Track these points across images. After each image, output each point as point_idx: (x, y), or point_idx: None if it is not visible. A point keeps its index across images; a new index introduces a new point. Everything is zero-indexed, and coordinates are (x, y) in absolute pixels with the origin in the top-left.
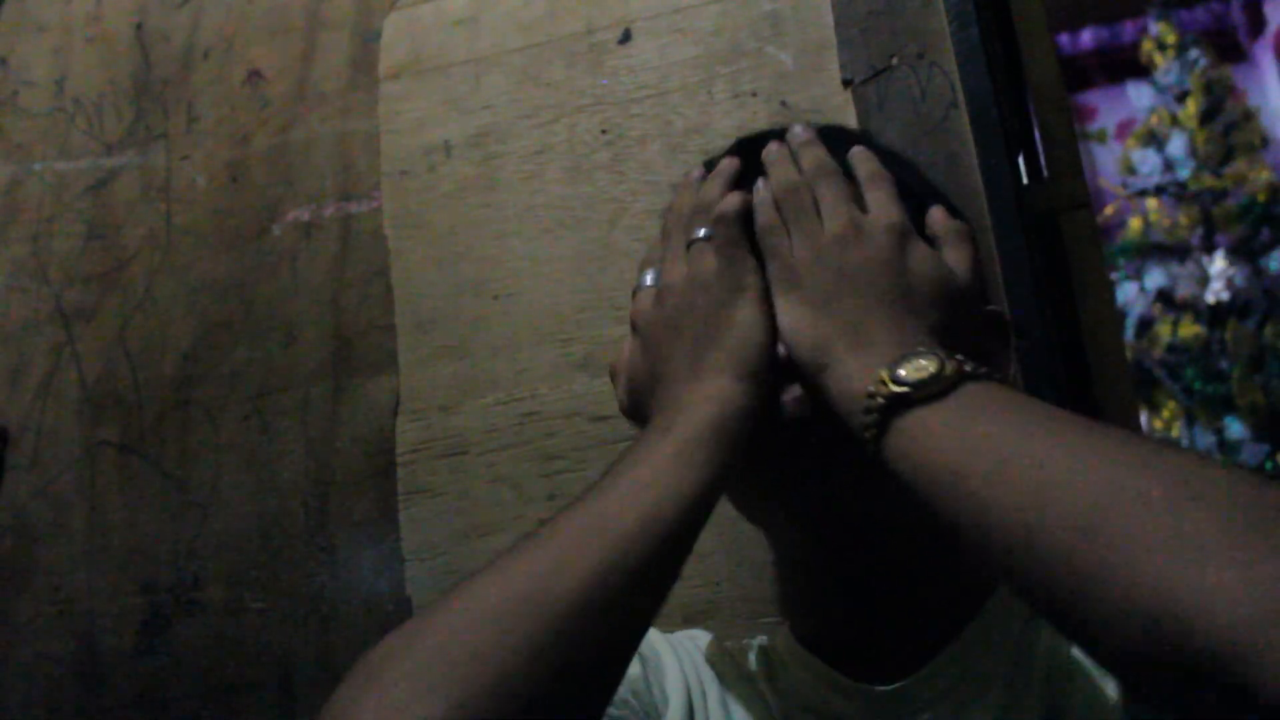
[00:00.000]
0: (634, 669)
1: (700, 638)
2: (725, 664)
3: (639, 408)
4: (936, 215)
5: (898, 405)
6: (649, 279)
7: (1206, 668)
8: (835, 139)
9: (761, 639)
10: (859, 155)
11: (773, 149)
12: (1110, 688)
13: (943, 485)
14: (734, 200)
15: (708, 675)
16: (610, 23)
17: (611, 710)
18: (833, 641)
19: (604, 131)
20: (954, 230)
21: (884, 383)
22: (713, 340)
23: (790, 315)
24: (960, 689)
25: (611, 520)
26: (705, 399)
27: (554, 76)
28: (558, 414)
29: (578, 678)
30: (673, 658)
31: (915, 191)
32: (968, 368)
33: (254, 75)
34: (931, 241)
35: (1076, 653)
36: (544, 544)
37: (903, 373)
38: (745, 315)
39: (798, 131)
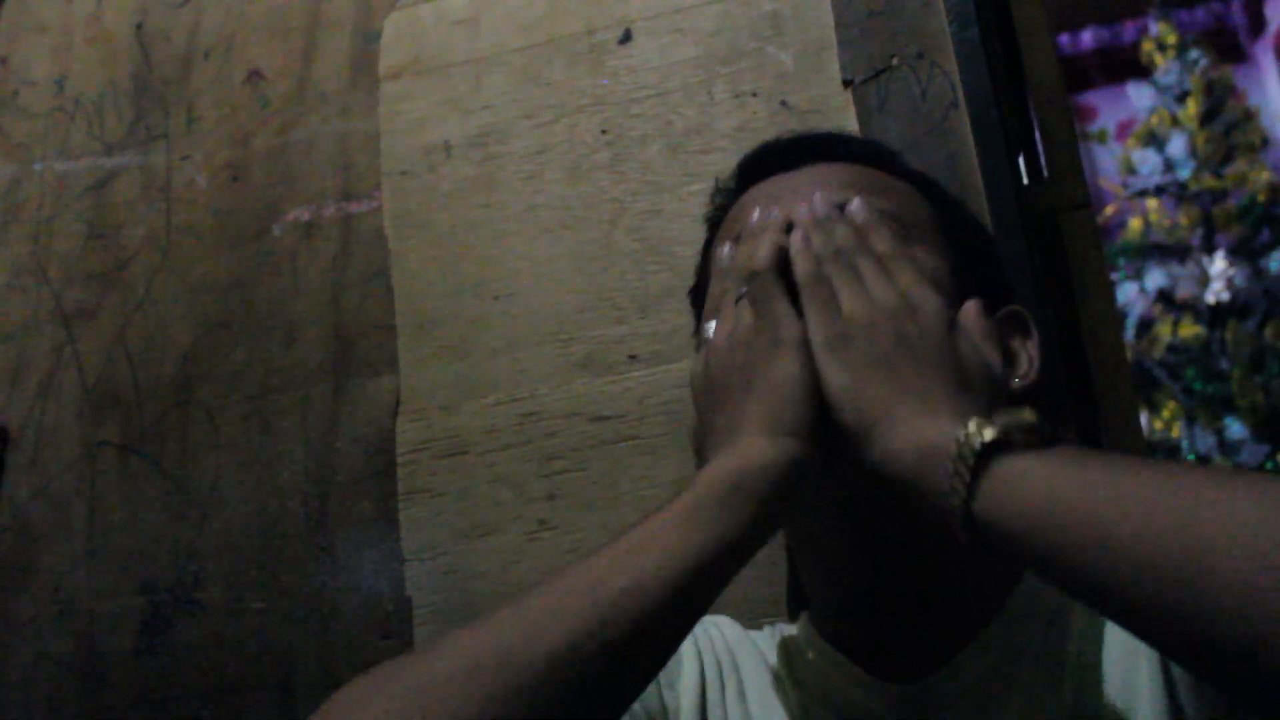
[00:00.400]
0: None
1: (723, 623)
2: (748, 653)
3: None
4: (970, 311)
5: (994, 452)
6: (710, 331)
7: None
8: (875, 157)
9: (783, 627)
10: (874, 225)
11: (803, 218)
12: (1144, 696)
13: (1056, 529)
14: (766, 253)
15: (728, 665)
16: (610, 23)
17: None
18: (855, 636)
19: (604, 132)
20: (985, 329)
21: (978, 430)
22: (750, 398)
23: (841, 375)
24: (981, 688)
25: (598, 583)
26: (731, 457)
27: (554, 76)
28: (558, 414)
29: None
30: (692, 651)
31: (959, 237)
32: (1056, 431)
33: (254, 75)
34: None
35: (1108, 658)
36: (531, 602)
37: (1002, 419)
38: (783, 372)
39: (819, 208)
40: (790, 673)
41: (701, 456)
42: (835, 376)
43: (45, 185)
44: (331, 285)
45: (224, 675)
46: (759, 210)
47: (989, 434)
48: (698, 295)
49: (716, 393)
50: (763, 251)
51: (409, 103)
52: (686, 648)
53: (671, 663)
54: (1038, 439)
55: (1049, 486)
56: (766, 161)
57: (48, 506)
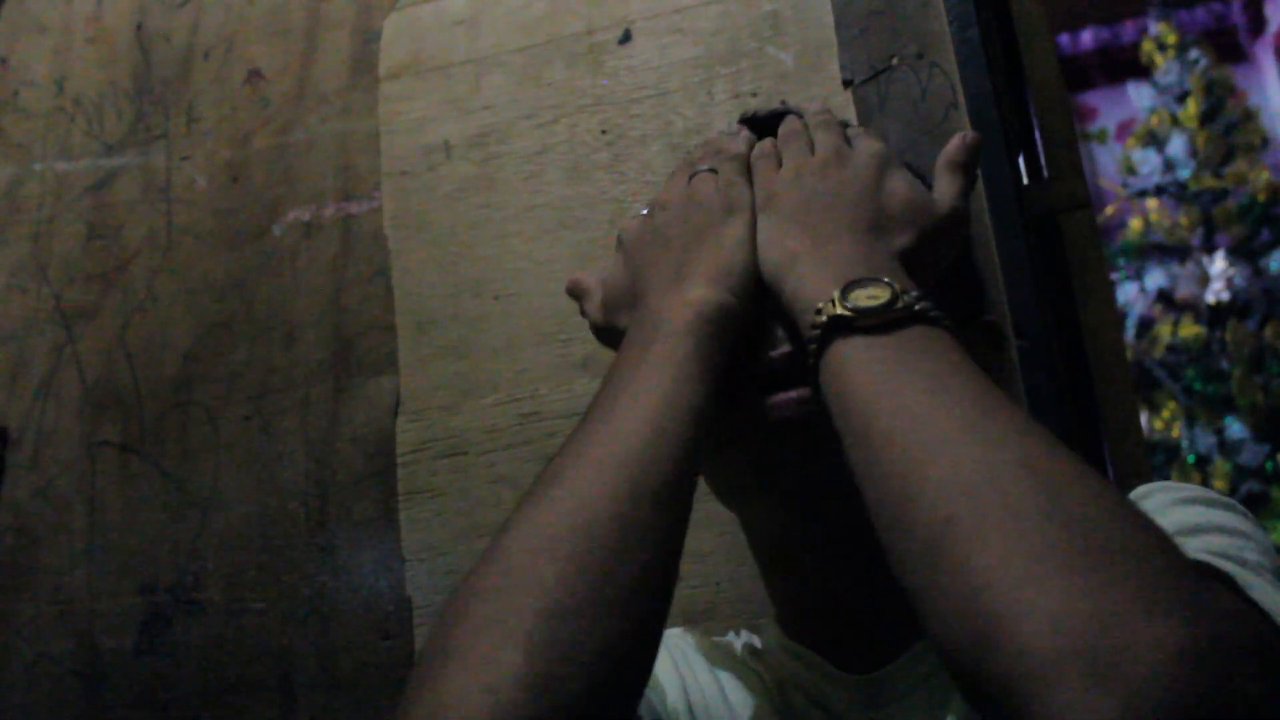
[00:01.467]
0: None
1: (680, 634)
2: (715, 651)
3: (613, 322)
4: (953, 141)
5: (840, 328)
6: (644, 212)
7: (999, 689)
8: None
9: (746, 633)
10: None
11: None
12: None
13: (851, 421)
14: (741, 141)
15: (698, 661)
16: (610, 23)
17: None
18: (816, 632)
19: (604, 132)
20: (949, 161)
21: (833, 303)
22: (699, 252)
23: (764, 230)
24: (937, 675)
25: (624, 440)
26: (684, 304)
27: (554, 77)
28: (558, 414)
29: (628, 598)
30: (668, 663)
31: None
32: (918, 307)
33: (254, 75)
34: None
35: None
36: (572, 472)
37: (853, 297)
38: (734, 233)
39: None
40: (762, 667)
41: (616, 305)
42: (762, 229)
43: (45, 185)
44: (332, 285)
45: (224, 675)
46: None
47: (838, 310)
48: None
49: (660, 243)
50: (738, 141)
51: (409, 103)
52: (662, 661)
53: (651, 681)
54: (881, 321)
55: (856, 375)
56: (759, 126)
57: (48, 507)
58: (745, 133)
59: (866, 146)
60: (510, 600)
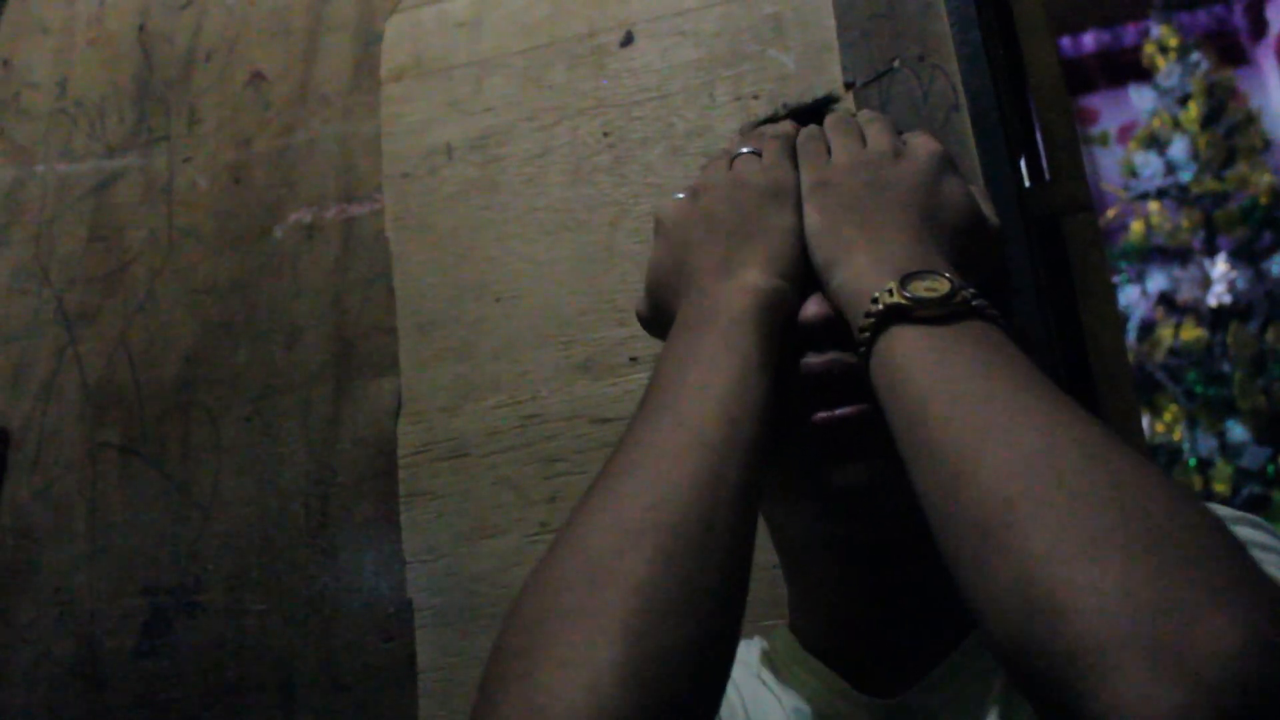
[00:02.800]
0: None
1: None
2: (739, 669)
3: (660, 311)
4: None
5: (897, 317)
6: (679, 196)
7: (1055, 675)
8: None
9: (760, 641)
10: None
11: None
12: None
13: (904, 406)
14: (785, 125)
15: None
16: (612, 25)
17: None
18: (837, 650)
19: (606, 134)
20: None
21: (890, 291)
22: (750, 237)
23: (816, 217)
24: (961, 700)
25: (697, 431)
26: (742, 290)
27: (556, 79)
28: (559, 416)
29: (714, 594)
30: None
31: None
32: (975, 302)
33: (256, 77)
34: None
35: None
36: (645, 462)
37: (912, 288)
38: (784, 218)
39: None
40: (777, 678)
41: (663, 291)
42: (811, 217)
43: (47, 187)
44: (333, 287)
45: (225, 677)
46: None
47: (896, 299)
48: None
49: (707, 227)
50: (782, 125)
51: (410, 105)
52: None
53: None
54: (939, 313)
55: (907, 363)
56: (803, 116)
57: (49, 508)
58: (789, 122)
59: (925, 144)
60: (601, 594)
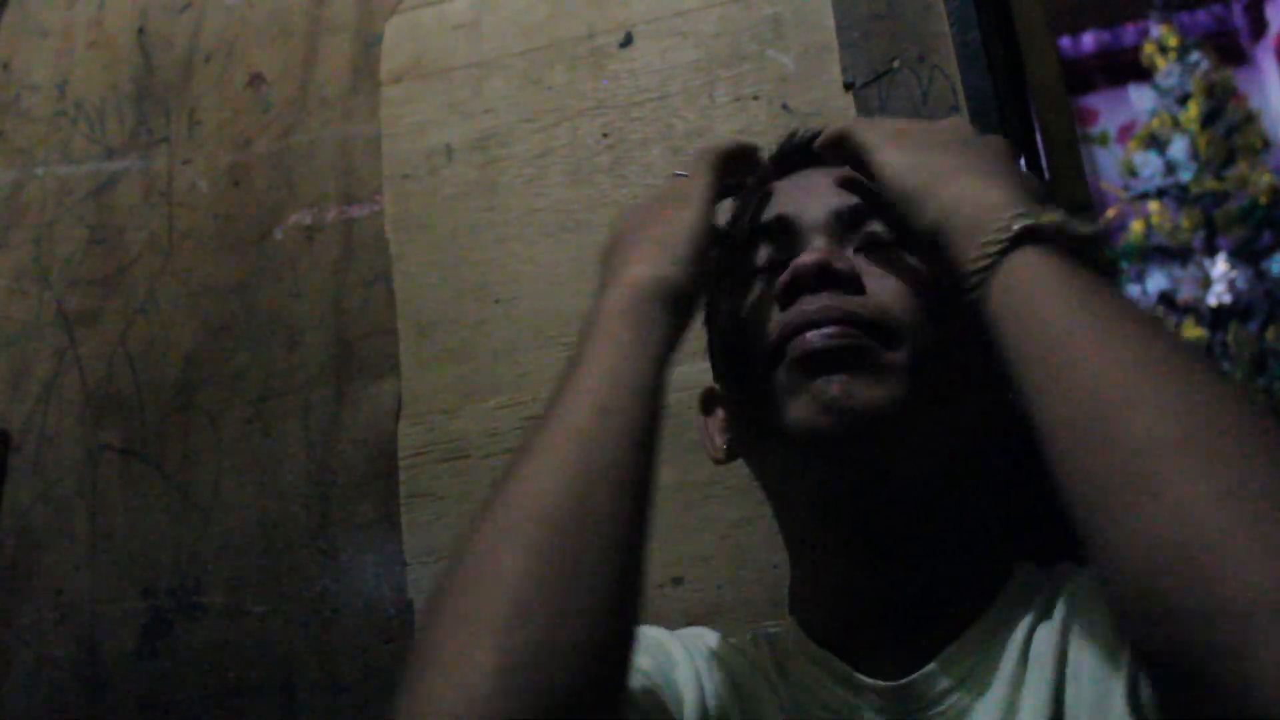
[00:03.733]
0: (646, 662)
1: (706, 635)
2: (734, 658)
3: None
4: None
5: (1032, 239)
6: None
7: (1197, 627)
8: None
9: (766, 634)
10: None
11: None
12: (1117, 693)
13: (1045, 336)
14: (721, 142)
15: (717, 670)
16: (611, 26)
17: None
18: (843, 635)
19: (605, 135)
20: None
21: (1021, 215)
22: (645, 237)
23: (901, 154)
24: (967, 684)
25: (569, 422)
26: (621, 285)
27: (555, 80)
28: None
29: (594, 585)
30: (682, 653)
31: None
32: (1099, 240)
33: (255, 79)
34: None
35: (1091, 651)
36: (524, 461)
37: (1042, 215)
38: (679, 217)
39: None
40: (780, 672)
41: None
42: (895, 156)
43: (47, 189)
44: (333, 289)
45: (225, 679)
46: (793, 197)
47: (1042, 219)
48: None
49: (618, 239)
50: (718, 141)
51: (410, 106)
52: (676, 649)
53: (665, 658)
54: (1071, 245)
55: (1043, 288)
56: (798, 157)
57: (49, 510)
58: (721, 140)
59: (994, 138)
60: (474, 596)
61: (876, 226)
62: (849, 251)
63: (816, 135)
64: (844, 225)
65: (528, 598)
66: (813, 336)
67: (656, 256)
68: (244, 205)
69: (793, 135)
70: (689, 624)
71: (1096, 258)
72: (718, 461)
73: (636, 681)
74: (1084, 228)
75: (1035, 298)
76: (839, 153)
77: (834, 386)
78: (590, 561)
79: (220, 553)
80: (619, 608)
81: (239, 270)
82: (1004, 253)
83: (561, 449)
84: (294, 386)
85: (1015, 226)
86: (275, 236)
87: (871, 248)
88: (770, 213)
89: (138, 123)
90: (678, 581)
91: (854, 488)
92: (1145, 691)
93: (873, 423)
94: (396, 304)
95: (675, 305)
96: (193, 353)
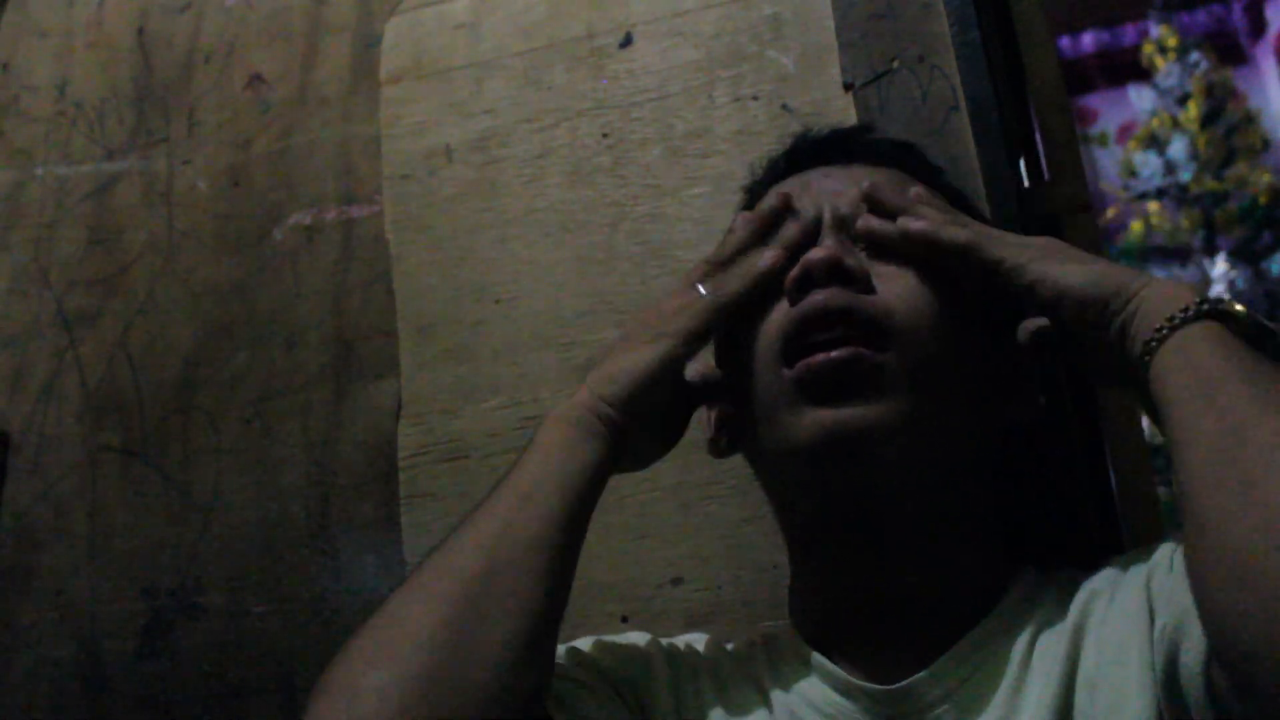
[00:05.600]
0: (614, 664)
1: (698, 641)
2: (724, 664)
3: None
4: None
5: (1210, 316)
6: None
7: None
8: (921, 170)
9: (763, 636)
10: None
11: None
12: (1132, 694)
13: (1214, 403)
14: (769, 259)
15: (706, 671)
16: (611, 26)
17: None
18: (841, 639)
19: (605, 135)
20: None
21: (1203, 301)
22: (610, 359)
23: (1074, 267)
24: (963, 690)
25: (495, 508)
26: (570, 401)
27: (555, 80)
28: None
29: (487, 630)
30: (661, 663)
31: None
32: (1257, 326)
33: (255, 80)
34: None
35: (1098, 658)
36: (454, 533)
37: (1231, 304)
38: (644, 352)
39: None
40: (773, 676)
41: None
42: (1068, 271)
43: (46, 190)
44: (332, 289)
45: (225, 679)
46: (805, 195)
47: (1230, 305)
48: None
49: (610, 345)
50: (769, 256)
51: (410, 107)
52: (656, 658)
53: (637, 666)
54: (1246, 330)
55: (1207, 351)
56: (806, 157)
57: (49, 511)
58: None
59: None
60: (379, 636)
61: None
62: (859, 252)
63: (829, 134)
64: (854, 226)
65: (429, 635)
66: (819, 360)
67: (599, 385)
68: (243, 206)
69: (805, 133)
70: (689, 624)
71: (1275, 350)
72: (718, 454)
73: (597, 683)
74: (1266, 322)
75: (1204, 351)
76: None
77: (836, 414)
78: (496, 612)
79: (220, 553)
80: (523, 655)
81: (238, 271)
82: (1187, 321)
83: (483, 526)
84: (293, 387)
85: (1203, 304)
86: (275, 237)
87: (881, 251)
88: (778, 214)
89: (137, 123)
90: (677, 582)
91: (853, 499)
92: (1173, 708)
93: (873, 444)
94: (396, 304)
95: (607, 436)
96: (192, 353)
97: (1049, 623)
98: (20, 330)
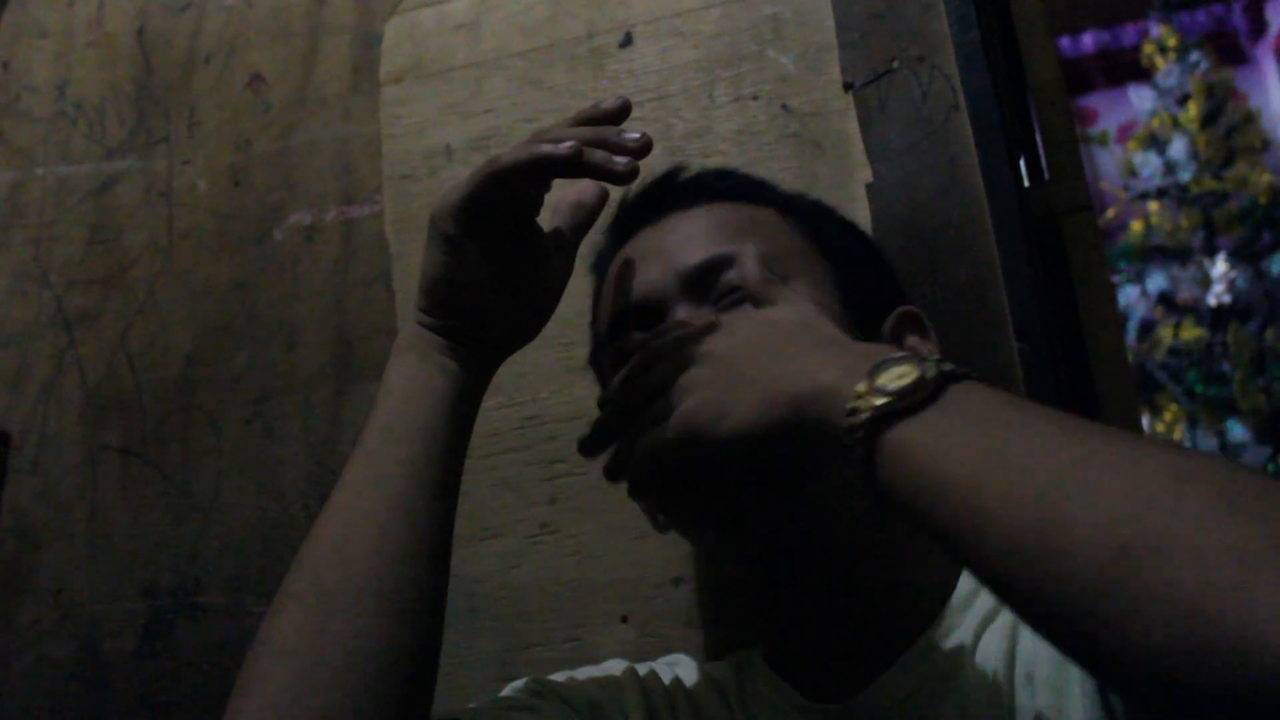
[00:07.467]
0: (588, 686)
1: (680, 663)
2: (703, 687)
3: None
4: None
5: (886, 419)
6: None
7: (1257, 698)
8: (736, 191)
9: (738, 658)
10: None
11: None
12: (1075, 694)
13: (948, 505)
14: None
15: (681, 697)
16: (611, 26)
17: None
18: (791, 659)
19: None
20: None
21: (863, 395)
22: None
23: (703, 391)
24: (916, 699)
25: (343, 499)
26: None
27: (555, 80)
28: (559, 418)
29: (353, 618)
30: (634, 684)
31: (834, 253)
32: (946, 368)
33: (255, 79)
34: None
35: (1036, 656)
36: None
37: (883, 381)
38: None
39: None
40: (741, 700)
41: None
42: (699, 395)
43: (46, 190)
44: (333, 289)
45: (225, 679)
46: (644, 262)
47: (876, 401)
48: (596, 357)
49: None
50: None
51: (410, 106)
52: (629, 685)
53: (609, 690)
54: (921, 398)
55: (930, 454)
56: (630, 220)
57: (49, 510)
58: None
59: (798, 312)
60: (253, 651)
61: (730, 274)
62: (708, 310)
63: (646, 191)
64: (698, 285)
65: (281, 645)
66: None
67: (420, 299)
68: (244, 205)
69: (623, 200)
70: (689, 624)
71: (927, 386)
72: (662, 531)
73: (552, 708)
74: (905, 378)
75: (922, 467)
76: None
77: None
78: (347, 606)
79: (220, 553)
80: (382, 662)
81: (239, 270)
82: (868, 440)
83: (335, 499)
84: (294, 387)
85: (861, 417)
86: (275, 237)
87: (733, 298)
88: (625, 296)
89: (137, 123)
90: (677, 582)
91: (768, 559)
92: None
93: (769, 519)
94: (396, 304)
95: (447, 346)
96: (192, 353)
97: (990, 620)
98: (20, 330)
